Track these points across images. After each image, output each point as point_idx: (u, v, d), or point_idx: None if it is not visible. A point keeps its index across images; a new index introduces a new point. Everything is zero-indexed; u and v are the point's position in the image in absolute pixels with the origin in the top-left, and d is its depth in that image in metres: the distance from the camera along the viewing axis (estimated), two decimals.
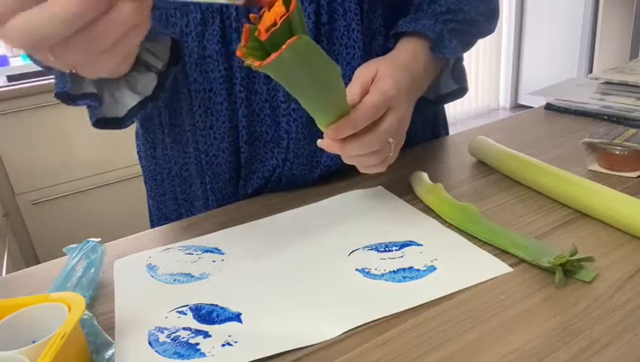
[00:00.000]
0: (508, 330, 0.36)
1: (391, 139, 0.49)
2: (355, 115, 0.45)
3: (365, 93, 0.48)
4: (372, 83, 0.49)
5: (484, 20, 0.62)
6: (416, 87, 0.54)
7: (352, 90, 0.48)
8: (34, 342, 0.36)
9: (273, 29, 0.37)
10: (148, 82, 0.57)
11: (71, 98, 0.52)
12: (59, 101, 0.53)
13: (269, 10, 0.38)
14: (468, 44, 0.61)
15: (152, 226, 0.74)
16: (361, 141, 0.47)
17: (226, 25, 0.57)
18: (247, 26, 0.38)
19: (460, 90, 0.68)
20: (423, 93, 0.58)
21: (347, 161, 0.50)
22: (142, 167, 0.73)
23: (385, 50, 0.57)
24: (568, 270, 0.41)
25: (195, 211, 0.69)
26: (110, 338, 0.40)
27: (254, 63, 0.37)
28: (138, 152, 0.73)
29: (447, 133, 0.81)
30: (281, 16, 0.37)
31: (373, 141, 0.47)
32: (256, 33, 0.38)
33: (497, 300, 0.39)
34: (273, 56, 0.36)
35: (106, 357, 0.38)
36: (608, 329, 0.35)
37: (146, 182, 0.73)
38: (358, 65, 0.53)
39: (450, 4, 0.57)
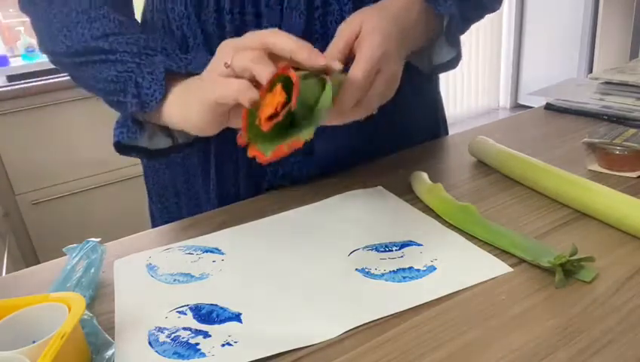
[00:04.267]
0: (508, 330, 0.36)
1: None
2: (343, 98, 0.44)
3: (349, 50, 0.47)
4: (357, 38, 0.47)
5: None
6: (406, 41, 0.51)
7: (336, 48, 0.47)
8: (34, 342, 0.36)
9: (275, 120, 0.37)
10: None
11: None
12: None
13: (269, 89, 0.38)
14: (467, 10, 0.58)
15: (153, 222, 0.74)
16: (349, 115, 0.47)
17: (221, 6, 0.58)
18: (245, 110, 0.38)
19: (455, 59, 0.62)
20: (415, 48, 0.55)
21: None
22: (143, 161, 0.73)
23: None
24: (568, 270, 0.41)
25: (195, 202, 0.69)
26: (110, 339, 0.40)
27: (260, 158, 0.38)
28: None
29: (447, 133, 0.81)
30: (282, 105, 0.37)
31: (362, 111, 0.47)
32: (256, 122, 0.39)
33: (497, 300, 0.39)
34: (280, 153, 0.38)
35: (106, 357, 0.38)
36: (608, 329, 0.35)
37: (146, 178, 0.73)
38: None
39: None
